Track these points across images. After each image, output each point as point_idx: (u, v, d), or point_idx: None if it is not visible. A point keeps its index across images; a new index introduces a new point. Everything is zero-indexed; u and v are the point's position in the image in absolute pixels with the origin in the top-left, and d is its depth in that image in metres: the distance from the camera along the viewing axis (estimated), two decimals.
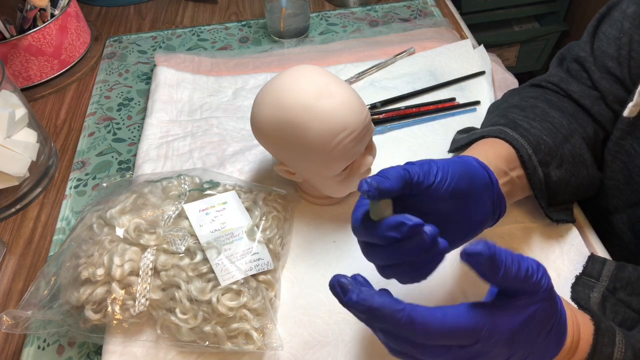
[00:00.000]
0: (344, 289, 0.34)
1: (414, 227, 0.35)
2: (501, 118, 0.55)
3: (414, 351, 0.33)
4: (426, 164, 0.40)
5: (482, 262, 0.30)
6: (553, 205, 0.54)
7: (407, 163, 0.40)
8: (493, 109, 0.61)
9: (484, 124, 0.60)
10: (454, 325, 0.32)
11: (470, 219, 0.42)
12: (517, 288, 0.33)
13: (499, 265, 0.31)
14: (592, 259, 0.52)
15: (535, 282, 0.33)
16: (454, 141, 0.62)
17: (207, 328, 0.46)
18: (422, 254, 0.36)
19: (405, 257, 0.36)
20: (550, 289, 0.35)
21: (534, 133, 0.51)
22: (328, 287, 0.36)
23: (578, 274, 0.51)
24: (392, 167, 0.38)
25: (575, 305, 0.48)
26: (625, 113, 0.51)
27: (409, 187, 0.38)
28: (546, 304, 0.35)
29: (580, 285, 0.50)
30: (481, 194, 0.42)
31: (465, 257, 0.31)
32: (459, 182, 0.40)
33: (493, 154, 0.49)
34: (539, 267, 0.33)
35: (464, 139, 0.58)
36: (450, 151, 0.63)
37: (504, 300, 0.34)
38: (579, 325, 0.39)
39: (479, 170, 0.43)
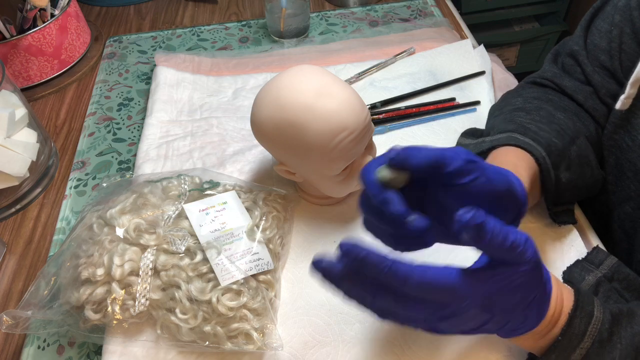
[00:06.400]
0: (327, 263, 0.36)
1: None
2: (509, 123, 0.54)
3: (396, 305, 0.35)
4: (475, 161, 0.36)
5: (470, 229, 0.31)
6: (556, 206, 0.54)
7: (455, 148, 0.37)
8: (497, 112, 0.60)
9: (489, 128, 0.58)
10: (432, 280, 0.33)
11: None
12: (502, 257, 0.34)
13: (486, 233, 0.32)
14: (597, 249, 0.51)
15: (519, 253, 0.33)
16: (460, 145, 0.61)
17: (207, 328, 0.46)
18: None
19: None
20: (535, 262, 0.35)
21: (544, 136, 0.51)
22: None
23: (579, 259, 0.51)
24: (429, 148, 0.36)
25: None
26: (618, 105, 0.50)
27: (438, 170, 0.35)
28: (528, 276, 0.35)
29: (577, 268, 0.50)
30: (511, 212, 0.40)
31: (457, 225, 0.31)
32: (496, 192, 0.37)
33: (524, 170, 0.47)
34: (527, 240, 0.33)
35: (474, 147, 0.56)
36: None
37: (488, 268, 0.35)
38: (563, 299, 0.40)
39: (517, 189, 0.40)
